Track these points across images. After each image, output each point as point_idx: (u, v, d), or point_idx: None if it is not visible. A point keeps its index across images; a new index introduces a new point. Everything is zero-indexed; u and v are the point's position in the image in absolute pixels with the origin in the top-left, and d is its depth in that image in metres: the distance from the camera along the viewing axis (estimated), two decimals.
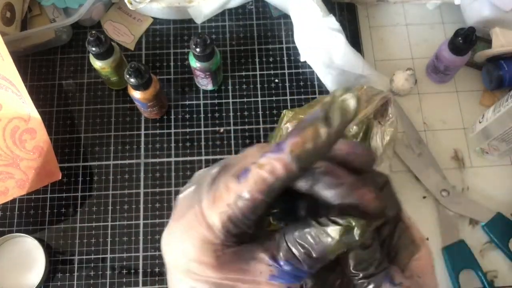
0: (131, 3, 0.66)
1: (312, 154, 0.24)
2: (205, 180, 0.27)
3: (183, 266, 0.26)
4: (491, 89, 0.65)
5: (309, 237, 0.25)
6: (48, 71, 0.68)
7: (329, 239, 0.25)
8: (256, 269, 0.25)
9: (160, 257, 0.59)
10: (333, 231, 0.25)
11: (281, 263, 0.25)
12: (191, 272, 0.26)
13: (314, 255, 0.25)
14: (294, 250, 0.25)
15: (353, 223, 0.26)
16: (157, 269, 0.58)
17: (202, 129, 0.65)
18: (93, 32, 0.56)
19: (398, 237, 0.31)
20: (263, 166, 0.24)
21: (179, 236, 0.27)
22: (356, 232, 0.25)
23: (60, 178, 0.58)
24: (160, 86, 0.59)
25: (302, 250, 0.25)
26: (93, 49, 0.57)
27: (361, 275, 0.29)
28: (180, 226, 0.27)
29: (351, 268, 0.28)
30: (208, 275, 0.25)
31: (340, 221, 0.25)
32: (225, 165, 0.27)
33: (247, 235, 0.26)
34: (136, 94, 0.58)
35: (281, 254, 0.25)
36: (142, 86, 0.56)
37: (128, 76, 0.55)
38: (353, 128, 0.57)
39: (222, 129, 0.65)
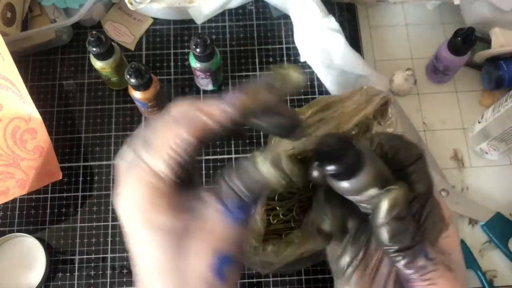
0: (131, 4, 0.66)
1: (250, 109, 0.27)
2: (139, 138, 0.28)
3: (138, 220, 0.27)
4: (491, 89, 0.65)
5: (243, 173, 0.27)
6: (49, 71, 0.68)
7: (260, 171, 0.26)
8: (203, 207, 0.27)
9: None
10: (263, 165, 0.26)
11: (224, 199, 0.27)
12: (147, 222, 0.26)
13: (249, 186, 0.27)
14: (232, 185, 0.27)
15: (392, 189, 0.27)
16: None
17: None
18: (94, 32, 0.56)
19: (427, 213, 0.31)
20: (202, 110, 0.27)
21: (130, 194, 0.27)
22: (284, 160, 0.27)
23: (60, 178, 0.59)
24: (161, 86, 0.60)
25: (239, 185, 0.27)
26: (94, 49, 0.57)
27: (396, 247, 0.29)
28: (129, 184, 0.27)
29: (386, 241, 0.29)
30: (163, 221, 0.26)
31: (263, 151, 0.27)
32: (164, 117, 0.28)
33: (191, 178, 0.28)
34: (137, 94, 0.58)
35: (223, 191, 0.27)
36: (142, 86, 0.56)
37: (128, 76, 0.55)
38: (354, 129, 0.57)
39: None
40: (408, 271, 0.29)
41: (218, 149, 0.64)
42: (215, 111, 0.27)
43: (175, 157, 0.26)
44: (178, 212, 0.26)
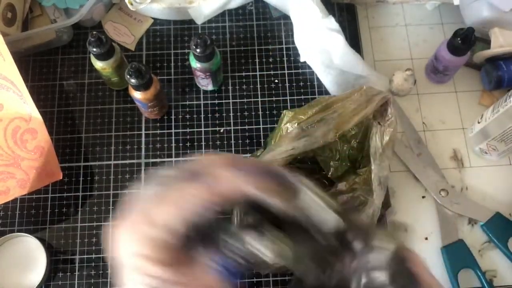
0: (131, 4, 0.66)
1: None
2: (163, 183, 0.28)
3: (133, 263, 0.27)
4: (490, 89, 0.65)
5: (248, 252, 0.28)
6: (49, 71, 0.68)
7: (265, 257, 0.28)
8: (199, 272, 0.28)
9: None
10: (268, 251, 0.28)
11: (220, 268, 0.28)
12: (141, 268, 0.27)
13: (251, 265, 0.28)
14: (237, 259, 0.28)
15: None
16: None
17: (203, 129, 0.65)
18: (94, 32, 0.56)
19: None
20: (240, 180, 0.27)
21: (130, 234, 0.27)
22: (288, 253, 0.28)
23: (61, 178, 0.59)
24: (161, 86, 0.60)
25: (241, 261, 0.28)
26: (94, 49, 0.57)
27: None
28: (133, 224, 0.28)
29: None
30: (157, 273, 0.27)
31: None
32: (184, 170, 0.28)
33: (196, 238, 0.28)
34: (137, 95, 0.58)
35: (223, 260, 0.28)
36: (142, 86, 0.57)
37: (128, 77, 0.55)
38: (353, 129, 0.57)
39: (222, 129, 0.65)
40: None
41: (218, 149, 0.64)
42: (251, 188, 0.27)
43: (189, 217, 0.27)
44: (174, 270, 0.27)
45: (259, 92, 0.67)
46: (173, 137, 0.65)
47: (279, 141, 0.53)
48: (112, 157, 0.63)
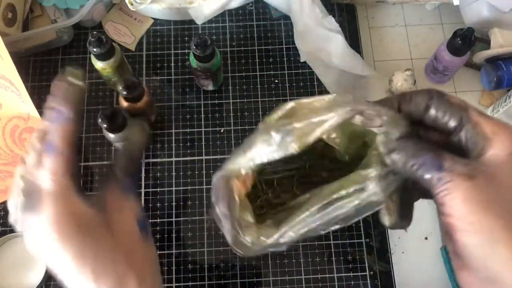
0: (132, 4, 0.66)
1: None
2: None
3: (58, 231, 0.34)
4: (490, 90, 0.65)
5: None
6: (50, 71, 0.68)
7: None
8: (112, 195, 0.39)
9: (160, 256, 0.59)
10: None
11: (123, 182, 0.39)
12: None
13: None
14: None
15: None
16: None
17: (203, 129, 0.65)
18: (94, 32, 0.56)
19: (466, 132, 0.32)
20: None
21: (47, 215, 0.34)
22: None
23: None
24: (151, 98, 0.60)
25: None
26: (94, 49, 0.57)
27: (400, 163, 0.32)
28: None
29: (389, 162, 0.32)
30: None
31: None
32: None
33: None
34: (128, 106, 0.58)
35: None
36: (133, 98, 0.57)
37: (120, 88, 0.56)
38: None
39: (222, 129, 0.65)
40: (427, 183, 0.30)
41: (218, 149, 0.64)
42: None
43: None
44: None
45: (259, 92, 0.67)
46: (173, 137, 0.65)
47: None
48: (112, 157, 0.63)
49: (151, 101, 0.60)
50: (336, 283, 0.58)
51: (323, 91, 0.67)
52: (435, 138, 0.34)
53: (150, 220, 0.60)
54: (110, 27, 0.70)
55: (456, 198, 0.29)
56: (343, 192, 0.35)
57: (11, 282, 0.57)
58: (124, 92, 0.55)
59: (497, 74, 0.62)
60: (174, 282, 0.58)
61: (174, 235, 0.60)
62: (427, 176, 0.30)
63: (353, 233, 0.60)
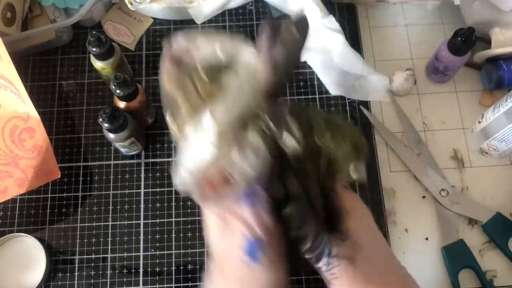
0: (131, 4, 0.66)
1: None
2: None
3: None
4: (491, 89, 0.65)
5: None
6: (49, 71, 0.68)
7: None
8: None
9: (160, 256, 0.59)
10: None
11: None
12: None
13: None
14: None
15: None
16: (157, 269, 0.58)
17: None
18: (94, 32, 0.56)
19: (332, 206, 0.38)
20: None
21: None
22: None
23: (59, 176, 0.59)
24: (147, 97, 0.60)
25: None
26: (94, 49, 0.57)
27: (305, 253, 0.36)
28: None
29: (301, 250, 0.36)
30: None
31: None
32: None
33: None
34: (122, 105, 0.58)
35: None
36: (127, 96, 0.57)
37: (114, 87, 0.55)
38: None
39: None
40: (320, 267, 0.36)
41: None
42: None
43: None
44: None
45: None
46: (173, 137, 0.64)
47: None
48: (111, 157, 0.63)
49: (146, 101, 0.60)
50: None
51: (323, 91, 0.67)
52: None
53: (149, 221, 0.60)
54: (110, 27, 0.70)
55: (343, 281, 0.35)
56: None
57: (11, 282, 0.57)
58: (118, 91, 0.55)
59: (498, 73, 0.62)
60: (173, 282, 0.58)
61: (174, 235, 0.60)
62: (319, 264, 0.36)
63: None
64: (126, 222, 0.60)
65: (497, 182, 0.62)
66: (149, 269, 0.58)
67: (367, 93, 0.66)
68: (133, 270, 0.58)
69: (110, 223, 0.60)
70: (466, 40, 0.59)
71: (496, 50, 0.62)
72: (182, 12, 0.69)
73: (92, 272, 0.58)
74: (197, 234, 0.60)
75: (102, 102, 0.66)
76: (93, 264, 0.59)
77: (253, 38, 0.70)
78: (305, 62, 0.68)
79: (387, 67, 0.68)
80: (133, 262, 0.59)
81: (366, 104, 0.66)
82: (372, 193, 0.61)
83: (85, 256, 0.59)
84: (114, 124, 0.54)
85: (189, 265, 0.59)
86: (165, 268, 0.58)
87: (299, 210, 0.35)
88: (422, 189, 0.62)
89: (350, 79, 0.64)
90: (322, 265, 0.36)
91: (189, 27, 0.70)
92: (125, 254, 0.59)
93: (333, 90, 0.66)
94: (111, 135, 0.56)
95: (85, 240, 0.59)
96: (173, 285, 0.58)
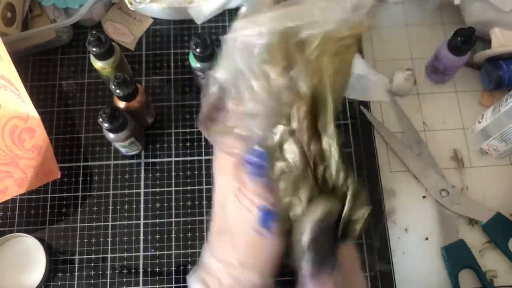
0: (131, 3, 0.66)
1: None
2: None
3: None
4: (491, 89, 0.65)
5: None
6: (49, 71, 0.68)
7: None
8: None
9: (160, 256, 0.59)
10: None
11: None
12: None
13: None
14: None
15: None
16: (157, 269, 0.58)
17: None
18: (94, 32, 0.56)
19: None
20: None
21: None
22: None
23: (59, 176, 0.59)
24: (147, 96, 0.60)
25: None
26: (94, 49, 0.57)
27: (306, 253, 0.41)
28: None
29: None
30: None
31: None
32: None
33: None
34: (121, 105, 0.58)
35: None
36: (127, 96, 0.57)
37: (113, 87, 0.55)
38: None
39: None
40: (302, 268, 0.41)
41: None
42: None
43: None
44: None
45: None
46: (173, 137, 0.65)
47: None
48: (111, 157, 0.63)
49: (147, 101, 0.60)
50: None
51: None
52: None
53: (149, 221, 0.60)
54: (110, 27, 0.70)
55: None
56: None
57: (11, 282, 0.57)
58: (117, 91, 0.55)
59: (498, 74, 0.62)
60: (173, 282, 0.58)
61: (174, 235, 0.60)
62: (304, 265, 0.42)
63: None
64: (126, 222, 0.60)
65: (497, 182, 0.62)
66: (149, 269, 0.58)
67: (367, 93, 0.66)
68: (133, 270, 0.58)
69: (110, 223, 0.60)
70: (466, 40, 0.59)
71: (496, 50, 0.62)
72: (182, 12, 0.69)
73: (92, 272, 0.58)
74: (197, 234, 0.60)
75: (102, 102, 0.66)
76: (93, 264, 0.59)
77: None
78: None
79: (387, 67, 0.68)
80: (133, 262, 0.59)
81: (366, 104, 0.66)
82: (372, 193, 0.61)
83: (85, 256, 0.59)
84: (114, 124, 0.54)
85: (189, 265, 0.59)
86: (165, 268, 0.58)
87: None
88: (422, 189, 0.62)
89: (350, 79, 0.64)
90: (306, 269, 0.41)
91: (189, 27, 0.70)
92: (125, 254, 0.59)
93: None
94: (111, 135, 0.56)
95: (85, 240, 0.59)
96: (173, 285, 0.58)
